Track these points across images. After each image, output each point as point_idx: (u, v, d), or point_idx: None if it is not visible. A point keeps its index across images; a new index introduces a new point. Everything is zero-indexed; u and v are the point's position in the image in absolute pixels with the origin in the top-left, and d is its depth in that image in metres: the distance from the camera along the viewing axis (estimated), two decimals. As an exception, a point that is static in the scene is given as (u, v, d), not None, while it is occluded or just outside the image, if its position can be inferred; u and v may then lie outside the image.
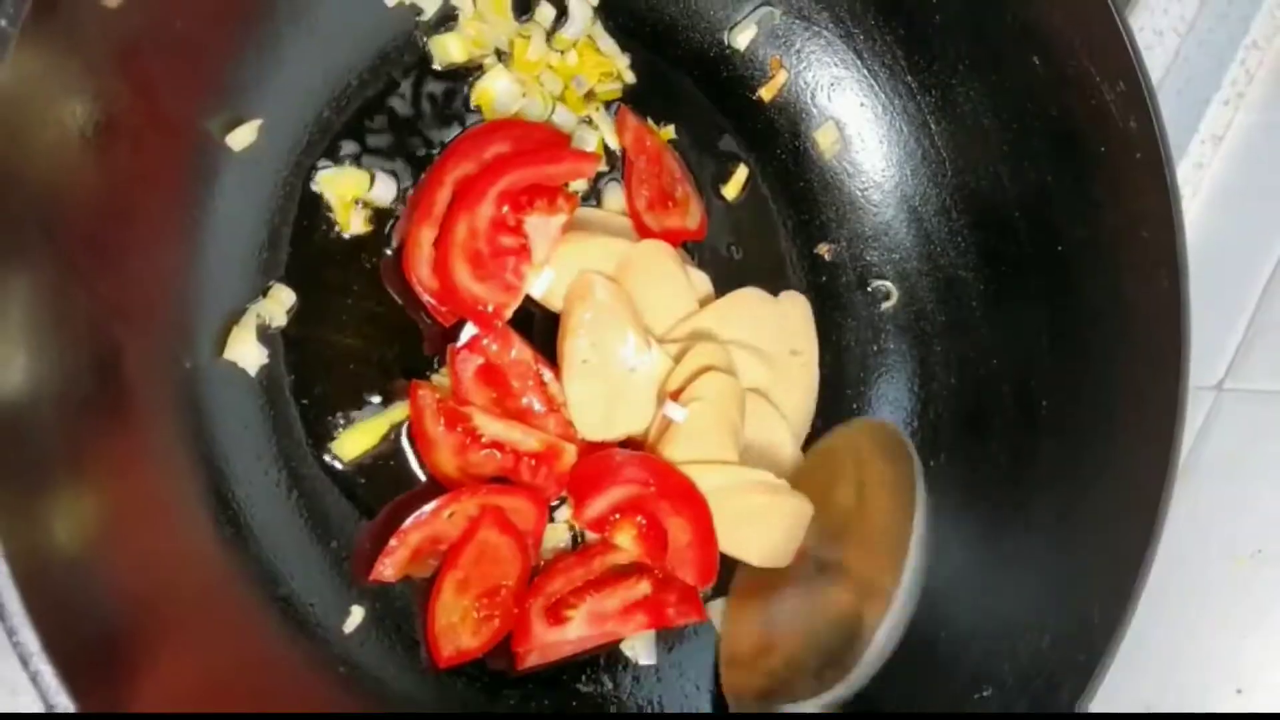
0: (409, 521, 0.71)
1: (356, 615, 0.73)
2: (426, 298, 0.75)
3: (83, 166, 0.62)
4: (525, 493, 0.75)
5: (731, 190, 0.87)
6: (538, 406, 0.77)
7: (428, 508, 0.72)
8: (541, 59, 0.81)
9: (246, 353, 0.72)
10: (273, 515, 0.71)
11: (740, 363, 0.80)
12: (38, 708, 0.52)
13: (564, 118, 0.82)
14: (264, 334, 0.72)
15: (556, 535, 0.79)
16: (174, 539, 0.66)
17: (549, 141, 0.78)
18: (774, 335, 0.83)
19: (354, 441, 0.74)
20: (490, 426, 0.75)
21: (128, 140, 0.64)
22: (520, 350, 0.76)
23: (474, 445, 0.74)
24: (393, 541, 0.71)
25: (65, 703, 0.50)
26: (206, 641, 0.65)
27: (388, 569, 0.71)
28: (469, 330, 0.75)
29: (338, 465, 0.74)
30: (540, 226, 0.75)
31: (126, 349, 0.65)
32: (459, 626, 0.74)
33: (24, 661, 0.50)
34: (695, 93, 0.87)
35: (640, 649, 0.80)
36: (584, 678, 0.79)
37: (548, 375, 0.77)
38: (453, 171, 0.75)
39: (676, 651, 0.81)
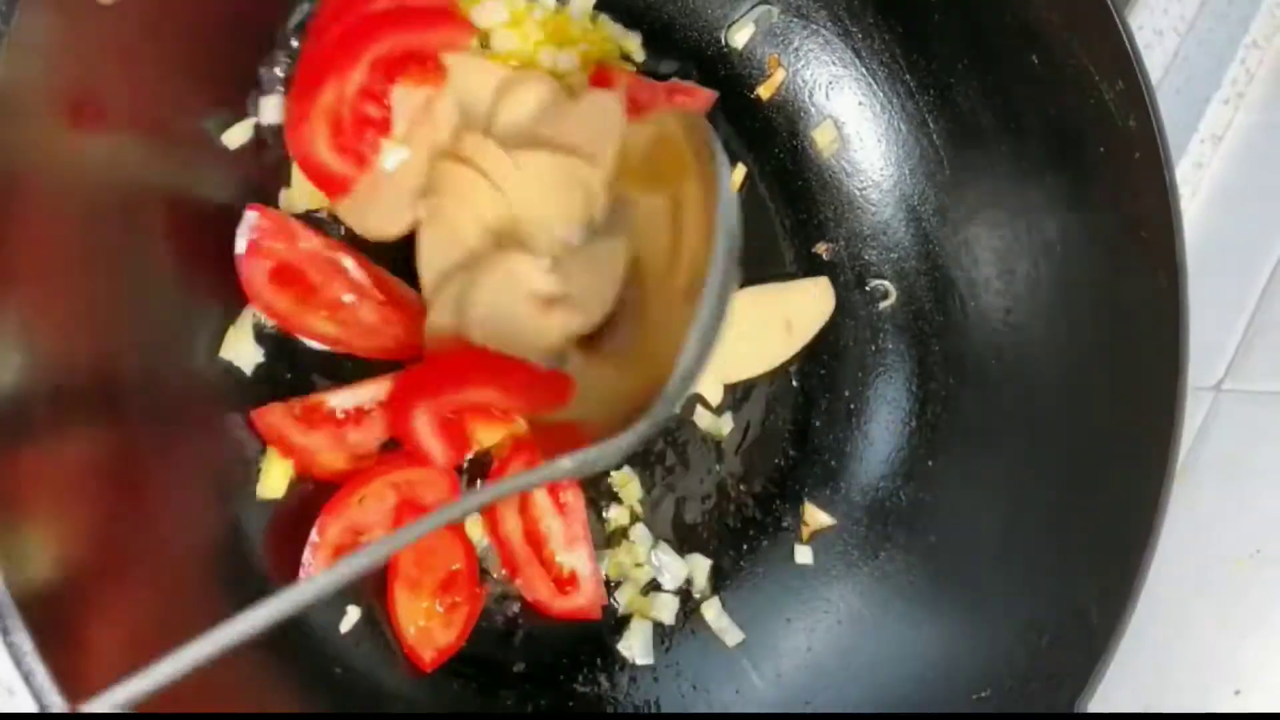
0: (321, 516, 0.70)
1: (352, 615, 0.73)
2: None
3: (76, 164, 0.62)
4: (424, 460, 0.71)
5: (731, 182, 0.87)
6: (346, 297, 0.72)
7: (336, 497, 0.70)
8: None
9: (242, 351, 0.72)
10: (266, 514, 0.71)
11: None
12: (33, 708, 0.52)
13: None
14: (260, 333, 0.72)
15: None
16: (169, 538, 0.66)
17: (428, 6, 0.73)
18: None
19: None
20: (336, 398, 0.72)
21: (121, 137, 0.64)
22: (308, 240, 0.71)
23: (342, 426, 0.71)
24: (314, 538, 0.70)
25: (58, 702, 0.50)
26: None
27: (317, 568, 0.70)
28: (245, 231, 0.69)
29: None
30: (404, 98, 0.71)
31: (123, 349, 0.65)
32: (429, 627, 0.73)
33: (17, 661, 0.50)
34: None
35: (637, 649, 0.80)
36: (581, 678, 0.79)
37: (347, 261, 0.72)
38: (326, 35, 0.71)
39: (674, 652, 0.81)
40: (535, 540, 0.78)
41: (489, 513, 0.77)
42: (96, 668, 0.55)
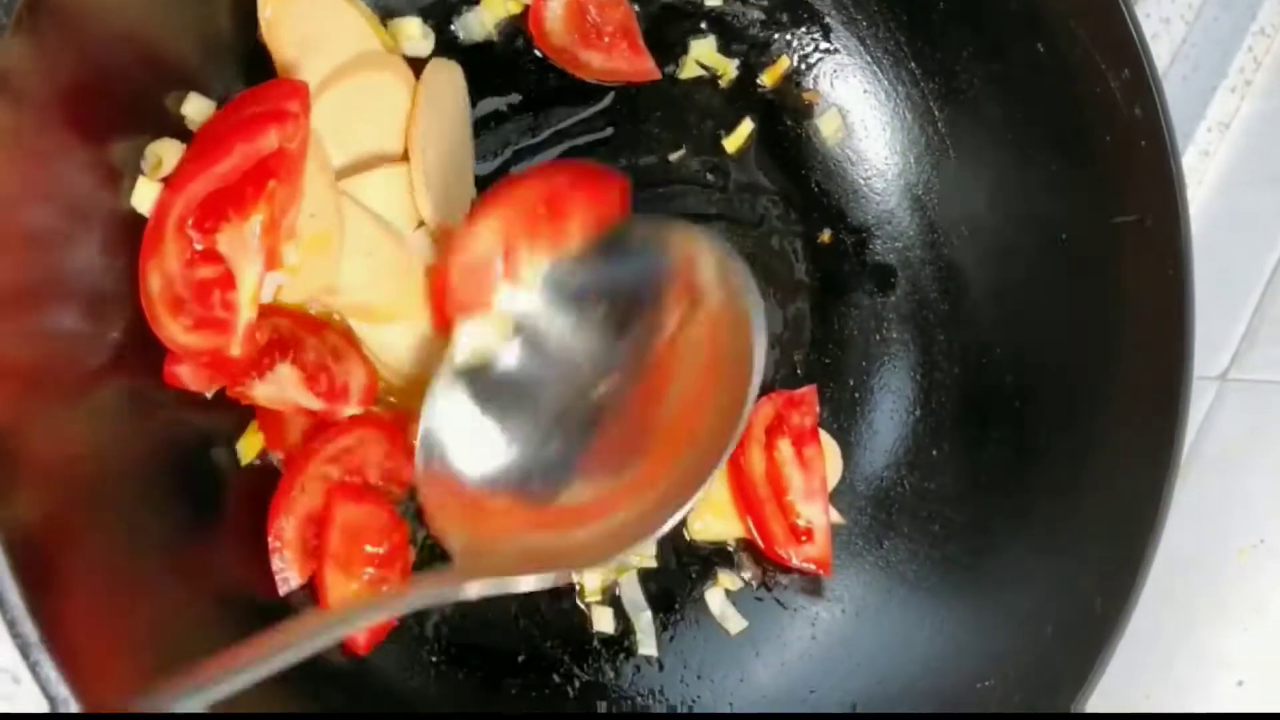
0: (271, 521, 0.69)
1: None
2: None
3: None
4: (365, 424, 0.70)
5: (733, 144, 0.86)
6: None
7: (276, 497, 0.69)
8: None
9: None
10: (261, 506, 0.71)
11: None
12: (39, 697, 0.52)
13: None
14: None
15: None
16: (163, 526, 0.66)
17: (226, 125, 0.65)
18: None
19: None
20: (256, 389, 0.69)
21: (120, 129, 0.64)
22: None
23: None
24: (273, 543, 0.69)
25: (65, 694, 0.51)
26: (206, 636, 0.65)
27: (291, 576, 0.69)
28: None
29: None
30: (235, 240, 0.64)
31: (124, 335, 0.65)
32: None
33: (24, 653, 0.50)
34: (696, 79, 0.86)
35: (642, 638, 0.80)
36: (584, 666, 0.80)
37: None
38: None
39: (678, 640, 0.82)
40: (777, 485, 0.81)
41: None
42: (102, 656, 0.56)
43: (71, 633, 0.54)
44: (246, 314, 0.64)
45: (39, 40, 0.57)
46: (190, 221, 0.63)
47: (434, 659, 0.76)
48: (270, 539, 0.69)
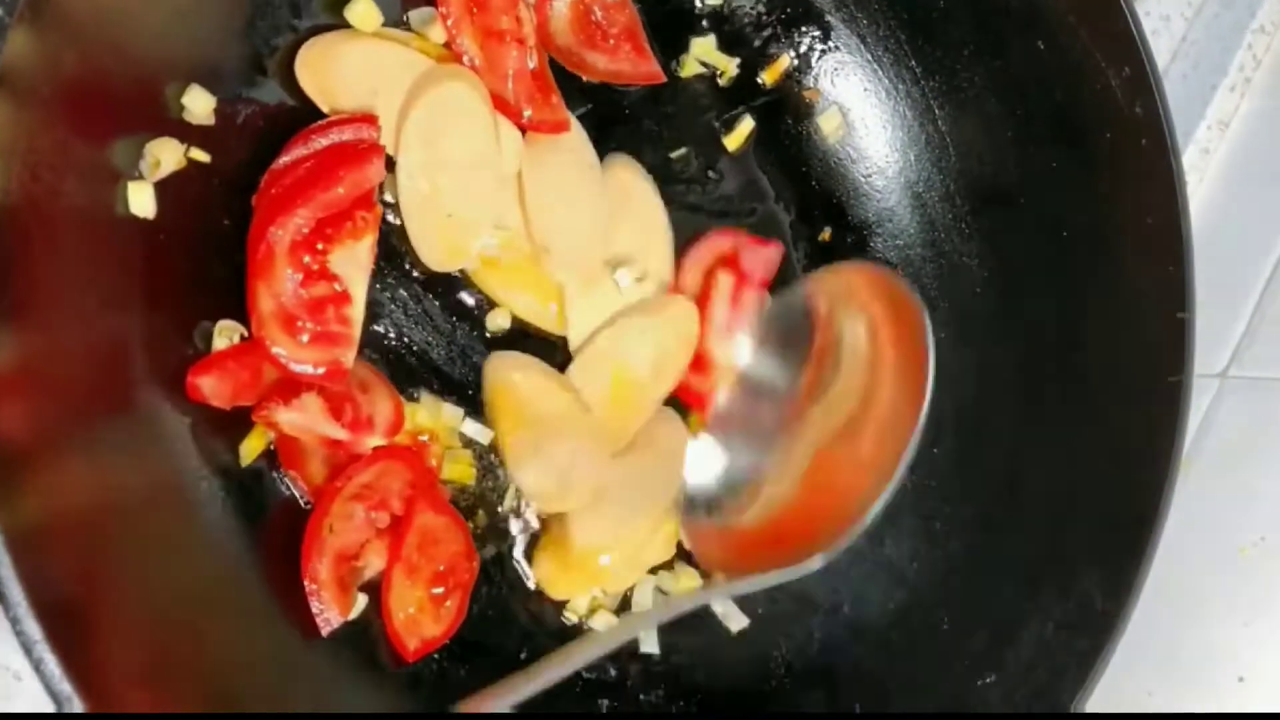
0: (304, 562, 0.69)
1: (360, 602, 0.73)
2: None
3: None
4: (386, 455, 0.71)
5: (734, 141, 0.86)
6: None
7: (306, 538, 0.69)
8: None
9: None
10: (277, 500, 0.71)
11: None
12: (41, 694, 0.52)
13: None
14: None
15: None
16: (179, 527, 0.66)
17: (328, 156, 0.68)
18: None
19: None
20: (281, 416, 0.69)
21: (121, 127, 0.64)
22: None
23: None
24: (309, 585, 0.68)
25: (68, 691, 0.51)
26: (213, 634, 0.65)
27: (332, 614, 0.69)
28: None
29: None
30: (348, 259, 0.68)
31: (131, 332, 0.65)
32: (419, 617, 0.73)
33: (27, 650, 0.50)
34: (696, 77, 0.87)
35: (643, 637, 0.80)
36: (586, 666, 0.80)
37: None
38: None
39: (680, 640, 0.82)
40: (701, 309, 0.82)
41: None
42: (105, 656, 0.56)
43: (74, 631, 0.54)
44: (360, 326, 0.68)
45: (42, 37, 0.57)
46: (304, 245, 0.66)
47: (434, 659, 0.76)
48: (306, 582, 0.69)
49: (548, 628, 0.79)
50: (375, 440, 0.72)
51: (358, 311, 0.68)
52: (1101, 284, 0.78)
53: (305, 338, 0.67)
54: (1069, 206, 0.80)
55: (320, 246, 0.67)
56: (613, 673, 0.80)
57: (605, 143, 0.82)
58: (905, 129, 0.87)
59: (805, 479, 0.71)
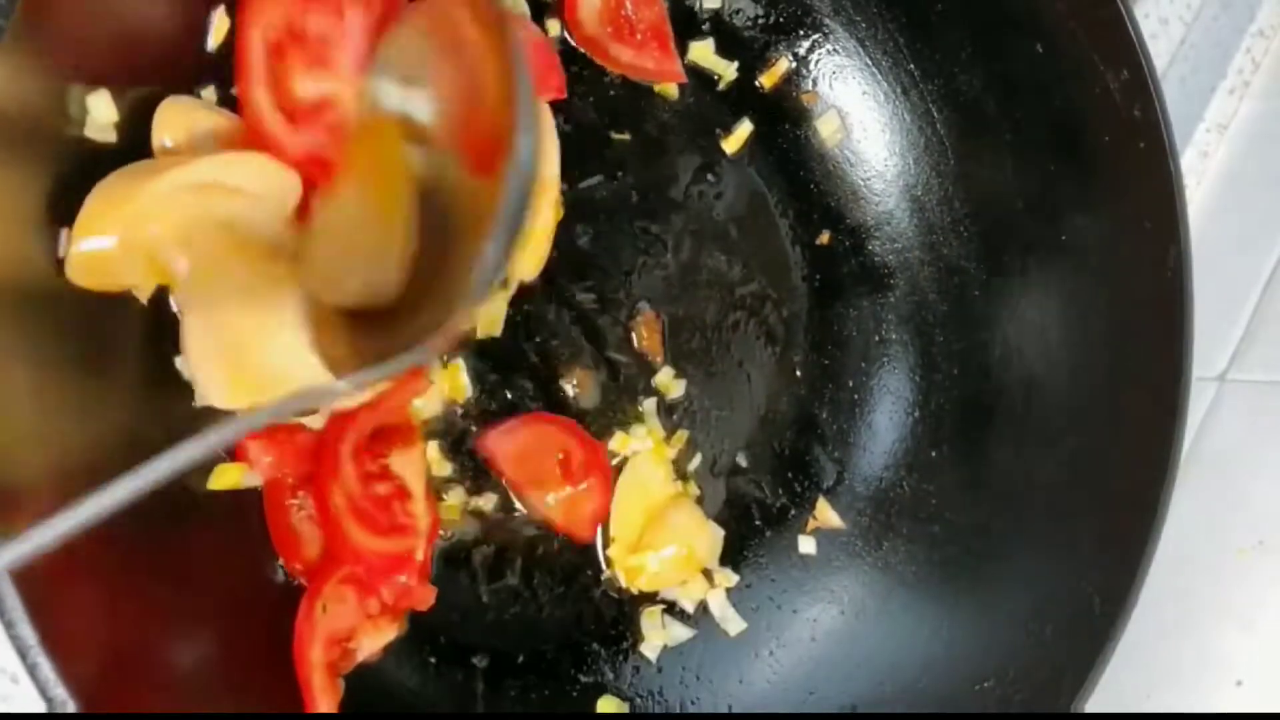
0: (296, 646, 0.69)
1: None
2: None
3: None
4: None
5: (732, 145, 0.86)
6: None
7: (298, 621, 0.69)
8: None
9: None
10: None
11: None
12: (37, 698, 0.52)
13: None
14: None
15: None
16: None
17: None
18: None
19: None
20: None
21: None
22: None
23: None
24: (311, 680, 0.69)
25: (63, 695, 0.51)
26: (211, 634, 0.65)
27: (324, 704, 0.69)
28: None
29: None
30: (404, 462, 0.74)
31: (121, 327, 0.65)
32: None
33: (21, 654, 0.50)
34: (694, 81, 0.86)
35: (644, 646, 0.80)
36: (584, 667, 0.80)
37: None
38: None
39: (680, 642, 0.82)
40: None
41: None
42: (100, 659, 0.56)
43: (70, 635, 0.54)
44: (425, 520, 0.73)
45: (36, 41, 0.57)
46: (364, 449, 0.71)
47: (434, 659, 0.76)
48: (301, 660, 0.69)
49: (548, 629, 0.79)
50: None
51: (419, 506, 0.73)
52: (1100, 287, 0.78)
53: (377, 531, 0.71)
54: (1067, 209, 0.80)
55: (378, 451, 0.73)
56: (610, 675, 0.80)
57: (599, 149, 0.82)
58: (904, 132, 0.87)
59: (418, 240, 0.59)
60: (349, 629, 0.71)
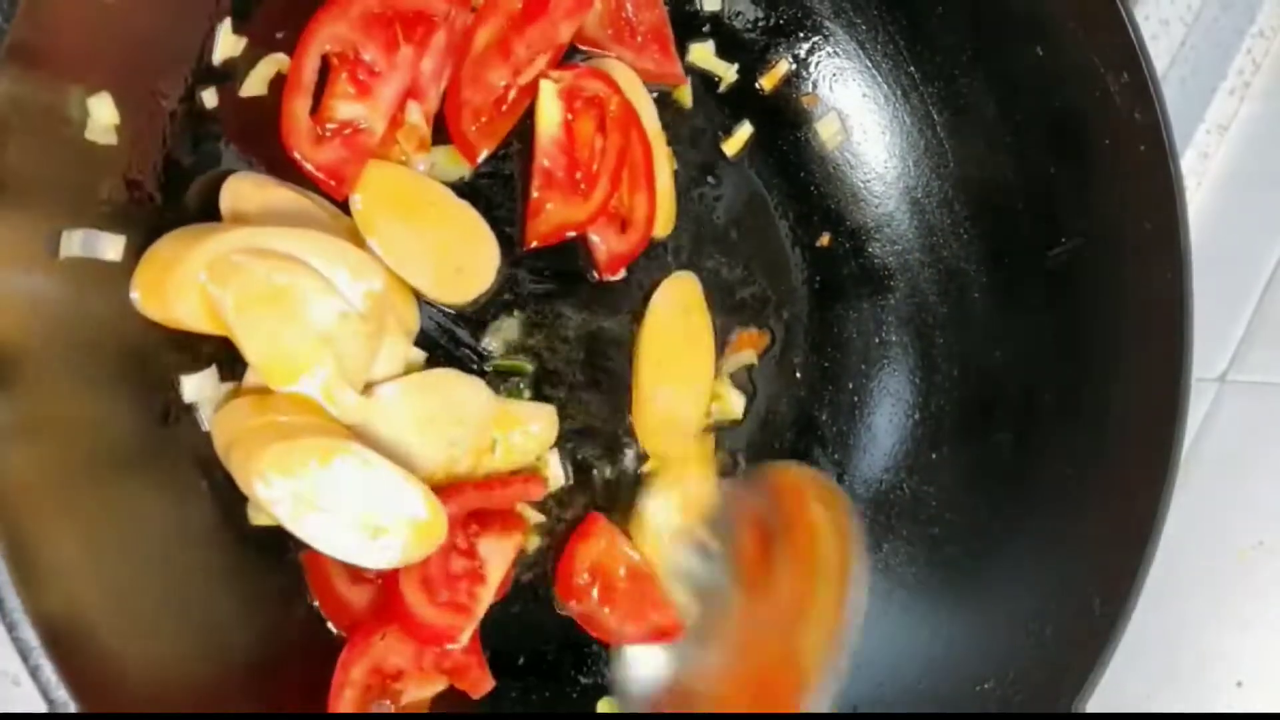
0: (345, 653, 0.70)
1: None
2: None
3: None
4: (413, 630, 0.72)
5: (732, 147, 0.86)
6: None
7: (355, 638, 0.70)
8: None
9: None
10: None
11: None
12: (39, 700, 0.52)
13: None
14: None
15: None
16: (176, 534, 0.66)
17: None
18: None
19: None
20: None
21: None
22: None
23: None
24: (339, 676, 0.69)
25: (64, 697, 0.51)
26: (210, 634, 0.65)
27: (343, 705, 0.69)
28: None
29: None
30: (495, 549, 0.74)
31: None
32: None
33: (24, 657, 0.50)
34: (695, 83, 0.87)
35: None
36: (585, 669, 0.80)
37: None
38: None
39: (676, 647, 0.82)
40: None
41: None
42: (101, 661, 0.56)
43: (71, 637, 0.54)
44: (483, 606, 0.73)
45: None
46: (458, 522, 0.71)
47: (434, 662, 0.76)
48: (338, 670, 0.69)
49: (549, 631, 0.79)
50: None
51: (487, 594, 0.73)
52: (1100, 289, 0.78)
53: (437, 601, 0.70)
54: (1068, 211, 0.80)
55: (474, 529, 0.73)
56: (610, 676, 0.80)
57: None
58: (904, 134, 0.87)
59: (737, 672, 0.71)
60: (398, 669, 0.71)
